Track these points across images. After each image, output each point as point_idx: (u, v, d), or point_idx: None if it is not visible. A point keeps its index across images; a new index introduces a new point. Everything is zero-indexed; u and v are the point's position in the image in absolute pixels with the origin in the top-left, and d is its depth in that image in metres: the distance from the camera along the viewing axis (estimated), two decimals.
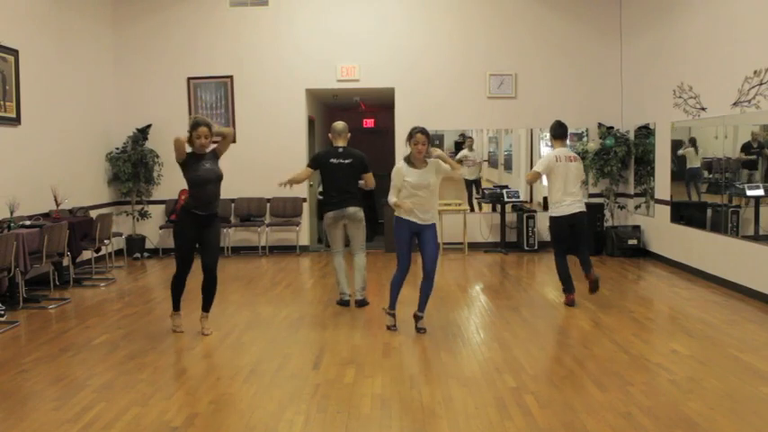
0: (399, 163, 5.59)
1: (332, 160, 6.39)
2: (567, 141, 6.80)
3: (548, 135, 10.21)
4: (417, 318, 5.64)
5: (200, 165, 5.37)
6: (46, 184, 7.76)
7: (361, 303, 6.50)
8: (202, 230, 5.47)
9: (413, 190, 5.39)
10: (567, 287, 6.45)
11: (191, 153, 5.44)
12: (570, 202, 6.29)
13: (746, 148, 6.92)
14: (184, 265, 5.55)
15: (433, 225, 5.56)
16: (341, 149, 6.43)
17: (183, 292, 5.68)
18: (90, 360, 4.95)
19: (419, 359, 4.96)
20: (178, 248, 5.58)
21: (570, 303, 6.43)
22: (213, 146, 5.52)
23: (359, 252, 6.50)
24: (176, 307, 5.69)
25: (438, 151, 5.53)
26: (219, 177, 5.46)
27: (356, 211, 6.38)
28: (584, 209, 6.38)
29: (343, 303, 6.57)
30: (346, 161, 6.37)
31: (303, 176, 6.52)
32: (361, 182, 6.48)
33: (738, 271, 6.94)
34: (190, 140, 5.35)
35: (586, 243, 6.50)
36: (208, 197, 5.40)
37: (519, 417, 3.76)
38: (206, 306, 5.66)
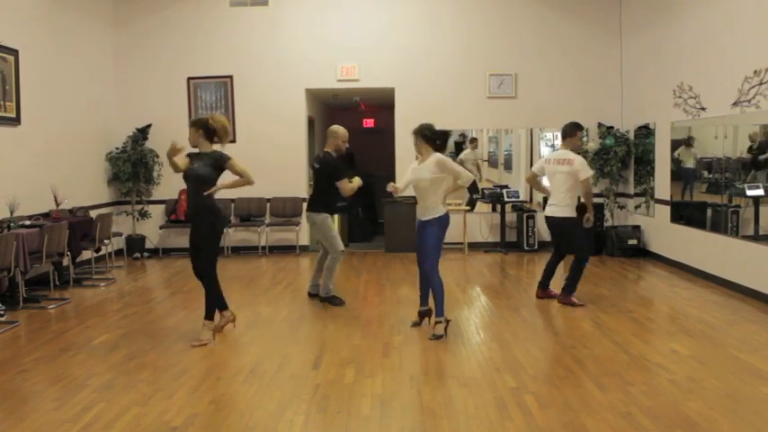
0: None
1: (314, 164, 6.60)
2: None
3: (548, 135, 10.38)
4: (435, 323, 5.50)
5: (191, 164, 5.29)
6: (46, 183, 7.76)
7: (314, 296, 6.70)
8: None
9: (413, 183, 5.59)
10: (542, 281, 6.69)
11: (190, 154, 5.42)
12: (550, 203, 6.49)
13: (752, 148, 6.89)
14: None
15: (430, 221, 5.50)
16: (320, 154, 6.60)
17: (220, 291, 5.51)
18: (90, 360, 4.94)
19: (419, 359, 4.96)
20: None
21: (539, 297, 6.66)
22: (213, 147, 5.35)
23: (329, 253, 6.50)
24: (220, 306, 5.53)
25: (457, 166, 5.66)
26: (198, 178, 5.20)
27: (310, 215, 6.49)
28: (561, 215, 6.35)
29: (311, 296, 6.80)
30: (317, 166, 6.52)
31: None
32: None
33: (738, 271, 6.94)
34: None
35: (565, 250, 6.59)
36: (189, 197, 5.39)
37: (519, 417, 3.76)
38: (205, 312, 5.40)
